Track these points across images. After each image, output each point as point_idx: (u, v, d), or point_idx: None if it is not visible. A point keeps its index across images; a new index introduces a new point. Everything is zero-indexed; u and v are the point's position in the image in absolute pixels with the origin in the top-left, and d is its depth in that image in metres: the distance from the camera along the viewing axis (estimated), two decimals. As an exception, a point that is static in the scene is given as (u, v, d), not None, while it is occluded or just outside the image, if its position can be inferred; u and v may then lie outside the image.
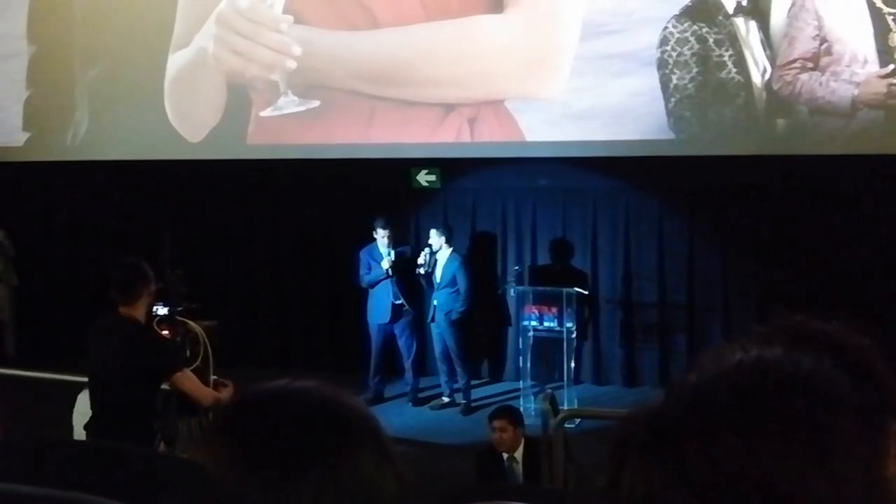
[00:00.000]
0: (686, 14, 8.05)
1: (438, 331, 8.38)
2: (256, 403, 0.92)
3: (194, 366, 4.92)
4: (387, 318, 8.42)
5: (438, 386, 8.61)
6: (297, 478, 0.87)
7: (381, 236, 8.34)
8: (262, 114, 9.13)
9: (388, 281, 8.33)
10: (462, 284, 8.28)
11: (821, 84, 7.77)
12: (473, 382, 8.78)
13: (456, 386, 8.48)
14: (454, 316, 8.29)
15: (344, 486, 0.87)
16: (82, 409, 4.90)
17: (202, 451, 0.91)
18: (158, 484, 0.72)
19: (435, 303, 8.30)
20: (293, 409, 0.91)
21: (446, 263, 8.28)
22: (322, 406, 0.92)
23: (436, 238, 8.26)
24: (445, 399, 8.44)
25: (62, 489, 0.68)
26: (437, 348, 8.45)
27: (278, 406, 0.91)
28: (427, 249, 8.27)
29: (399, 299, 8.38)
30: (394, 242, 8.41)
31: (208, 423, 4.89)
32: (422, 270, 8.19)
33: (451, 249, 8.33)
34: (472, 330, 8.69)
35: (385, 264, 8.28)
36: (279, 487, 0.86)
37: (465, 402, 8.39)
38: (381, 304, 8.45)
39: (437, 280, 8.26)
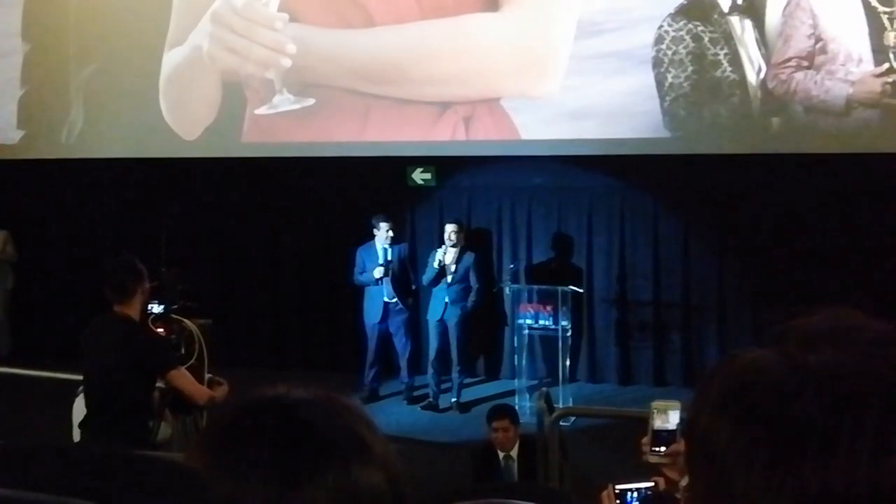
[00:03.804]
0: (681, 13, 8.05)
1: (441, 329, 8.36)
2: (248, 416, 0.93)
3: (189, 364, 4.92)
4: (378, 317, 8.43)
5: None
6: (290, 488, 0.87)
7: (384, 230, 8.33)
8: (258, 112, 9.13)
9: (382, 279, 8.35)
10: (475, 281, 8.32)
11: (816, 83, 7.78)
12: (469, 381, 8.79)
13: (445, 386, 8.49)
14: (469, 307, 8.31)
15: (337, 497, 0.88)
16: (81, 407, 4.90)
17: (196, 454, 0.91)
18: (151, 488, 0.72)
19: (447, 299, 8.29)
20: (283, 424, 0.91)
21: (462, 260, 8.29)
22: (310, 422, 0.92)
23: (455, 233, 8.26)
24: (431, 400, 8.44)
25: (52, 494, 0.68)
26: (435, 346, 8.41)
27: (268, 420, 0.91)
28: (446, 246, 8.24)
29: (392, 298, 8.39)
30: (391, 239, 8.41)
31: (203, 426, 4.89)
32: (436, 265, 8.20)
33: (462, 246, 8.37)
34: (469, 328, 8.69)
35: (377, 273, 8.28)
36: (272, 497, 0.86)
37: (455, 400, 8.39)
38: (374, 303, 8.47)
39: (450, 276, 8.26)
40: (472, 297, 8.35)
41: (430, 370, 8.45)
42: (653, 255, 8.78)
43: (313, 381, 0.98)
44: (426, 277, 8.39)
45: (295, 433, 0.90)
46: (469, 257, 8.35)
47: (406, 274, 8.52)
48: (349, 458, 0.90)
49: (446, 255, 8.24)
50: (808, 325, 0.79)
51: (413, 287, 8.62)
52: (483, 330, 9.05)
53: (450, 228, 8.31)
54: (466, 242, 8.50)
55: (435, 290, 8.38)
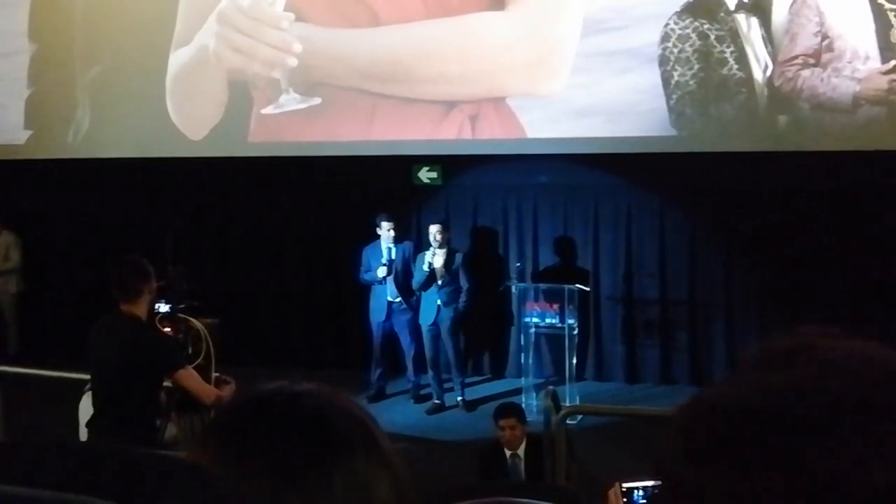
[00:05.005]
0: (687, 10, 8.05)
1: (434, 333, 8.33)
2: (252, 406, 0.92)
3: (196, 363, 4.92)
4: (383, 316, 8.44)
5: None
6: (289, 483, 0.86)
7: (386, 229, 8.34)
8: (264, 111, 9.13)
9: (386, 278, 8.35)
10: (465, 281, 8.30)
11: (822, 80, 7.77)
12: (476, 379, 8.79)
13: (447, 386, 8.48)
14: (460, 308, 8.30)
15: (336, 492, 0.87)
16: (87, 406, 4.91)
17: (199, 451, 0.90)
18: (157, 485, 0.72)
19: (439, 302, 8.29)
20: (288, 412, 0.90)
21: (451, 261, 8.28)
22: (316, 410, 0.91)
23: (440, 234, 8.25)
24: (436, 401, 8.44)
25: (58, 490, 0.68)
26: (431, 350, 8.37)
27: (273, 409, 0.91)
28: (433, 248, 8.24)
29: (396, 297, 8.39)
30: (395, 238, 8.41)
31: (208, 422, 4.89)
32: (426, 268, 8.19)
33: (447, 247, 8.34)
34: (474, 327, 8.68)
35: (381, 272, 8.29)
36: (272, 492, 0.86)
37: (461, 398, 8.39)
38: (379, 302, 8.48)
39: (441, 279, 8.25)
40: (462, 298, 8.32)
41: (430, 373, 8.44)
42: (659, 253, 8.77)
43: (320, 380, 0.98)
44: (416, 281, 8.32)
45: (300, 422, 0.89)
46: (458, 258, 8.34)
47: (410, 273, 8.51)
48: (356, 449, 0.89)
49: (435, 257, 8.23)
50: (765, 351, 0.80)
51: (417, 286, 8.60)
52: (489, 328, 9.05)
53: (434, 230, 8.27)
54: (472, 241, 8.48)
55: (426, 294, 8.34)
